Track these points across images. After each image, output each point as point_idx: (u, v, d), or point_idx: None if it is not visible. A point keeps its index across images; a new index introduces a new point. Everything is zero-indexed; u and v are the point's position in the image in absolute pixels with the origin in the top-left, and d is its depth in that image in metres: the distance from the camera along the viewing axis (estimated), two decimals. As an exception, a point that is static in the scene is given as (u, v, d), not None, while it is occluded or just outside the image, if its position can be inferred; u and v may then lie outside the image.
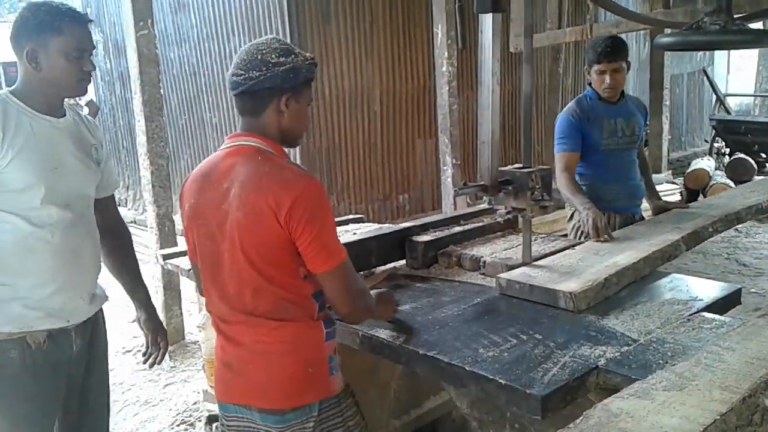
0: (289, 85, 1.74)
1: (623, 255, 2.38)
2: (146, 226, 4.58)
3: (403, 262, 2.72)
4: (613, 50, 3.16)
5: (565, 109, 3.38)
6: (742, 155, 8.31)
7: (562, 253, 2.49)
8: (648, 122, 8.14)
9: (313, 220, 1.67)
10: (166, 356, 4.15)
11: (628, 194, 3.36)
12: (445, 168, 4.85)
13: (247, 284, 1.73)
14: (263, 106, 1.75)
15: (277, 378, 1.75)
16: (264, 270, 1.72)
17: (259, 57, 1.72)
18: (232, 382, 1.82)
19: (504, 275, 2.28)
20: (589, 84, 3.36)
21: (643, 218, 3.50)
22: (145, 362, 2.38)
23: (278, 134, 1.79)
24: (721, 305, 2.13)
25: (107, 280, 2.32)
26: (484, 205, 3.05)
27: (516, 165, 2.51)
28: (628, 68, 3.28)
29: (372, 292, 1.94)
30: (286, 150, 1.84)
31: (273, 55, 1.72)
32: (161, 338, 2.37)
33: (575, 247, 2.61)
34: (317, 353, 1.79)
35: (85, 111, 6.51)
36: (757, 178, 7.83)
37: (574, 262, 2.36)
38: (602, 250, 2.47)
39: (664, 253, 2.46)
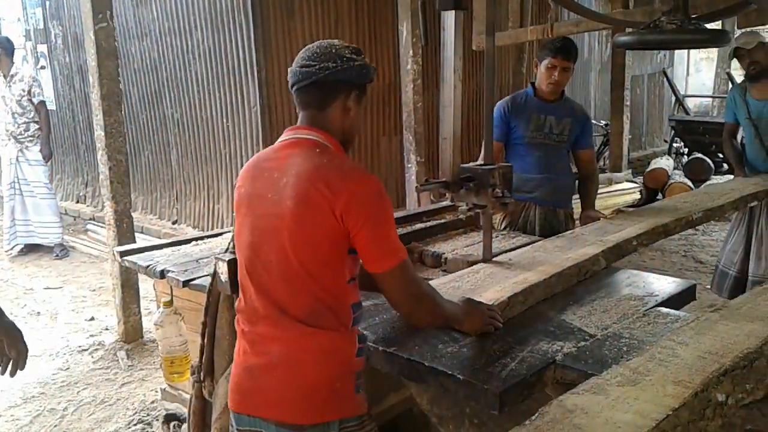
0: (360, 82, 1.74)
1: (535, 270, 2.26)
2: (105, 223, 4.49)
3: (365, 258, 2.71)
4: (569, 49, 3.38)
5: (500, 101, 3.52)
6: (700, 155, 8.49)
7: (471, 268, 2.38)
8: (608, 126, 8.30)
9: (373, 216, 1.62)
10: (124, 355, 4.13)
11: (550, 188, 3.45)
12: (409, 165, 4.86)
13: (288, 278, 1.66)
14: (332, 99, 1.72)
15: (301, 390, 1.66)
16: (309, 265, 1.64)
17: (333, 51, 1.70)
18: (250, 391, 1.72)
19: None
20: (532, 82, 3.52)
21: (569, 215, 3.61)
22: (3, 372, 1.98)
23: (340, 132, 1.74)
24: (676, 301, 2.17)
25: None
26: (446, 203, 3.07)
27: (478, 162, 2.53)
28: (572, 72, 3.51)
29: (461, 300, 1.90)
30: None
31: (346, 51, 1.72)
32: (12, 345, 1.95)
33: (486, 262, 2.47)
34: (347, 368, 1.71)
35: (31, 113, 6.29)
36: (714, 177, 8.01)
37: (481, 278, 2.25)
38: (515, 265, 2.35)
39: (581, 268, 2.31)
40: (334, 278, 1.67)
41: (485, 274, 2.27)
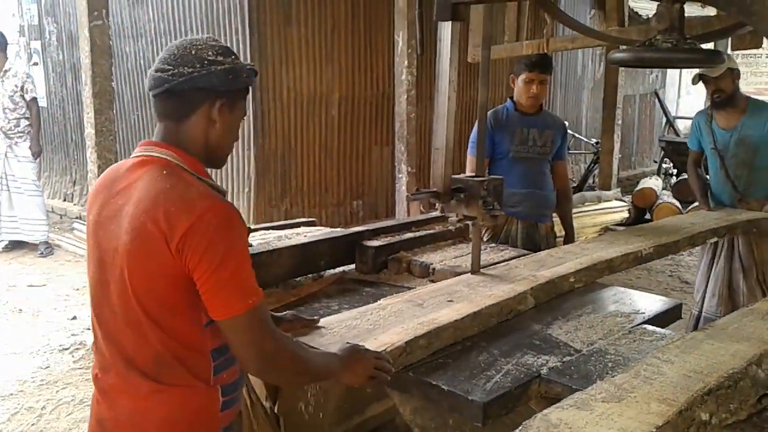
0: (226, 89, 1.45)
1: (450, 309, 1.98)
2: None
3: (353, 266, 2.70)
4: (544, 63, 3.45)
5: None
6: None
7: (377, 303, 2.08)
8: (598, 144, 8.35)
9: (213, 249, 1.33)
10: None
11: (533, 203, 3.49)
12: (400, 176, 4.86)
13: (132, 325, 1.41)
14: (190, 110, 1.45)
15: None
16: (152, 310, 1.39)
17: (194, 52, 1.44)
18: None
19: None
20: (511, 97, 3.56)
21: (550, 229, 3.67)
22: None
23: (202, 149, 1.48)
24: (662, 319, 2.18)
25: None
26: (436, 213, 3.07)
27: (469, 173, 2.53)
28: (549, 85, 3.59)
29: (342, 348, 1.58)
30: (209, 170, 1.51)
31: (210, 52, 1.44)
32: None
33: (474, 273, 2.40)
34: (206, 428, 1.46)
35: (22, 110, 6.24)
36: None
37: (385, 316, 1.96)
38: (428, 302, 2.06)
39: (503, 307, 2.05)
40: (185, 324, 1.41)
41: (391, 311, 1.99)
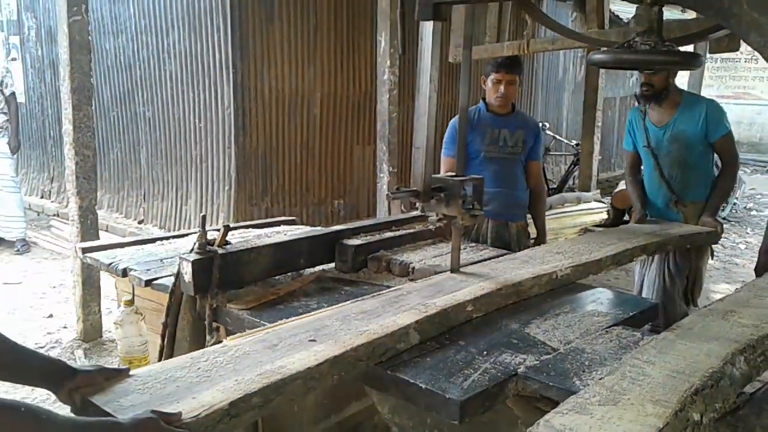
0: None
1: (308, 351, 1.65)
2: (69, 220, 4.41)
3: (333, 265, 2.69)
4: (511, 63, 3.50)
5: (454, 118, 3.60)
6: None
7: (221, 345, 1.75)
8: (578, 146, 8.41)
9: None
10: (81, 354, 4.04)
11: (504, 202, 3.54)
12: (381, 175, 4.85)
13: None
14: None
15: None
16: None
17: None
18: None
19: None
20: (483, 98, 3.61)
21: (522, 228, 3.71)
22: None
23: None
24: (639, 319, 2.19)
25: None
26: (416, 212, 3.08)
27: (449, 173, 2.53)
28: (520, 84, 3.62)
29: (135, 418, 1.27)
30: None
31: None
32: None
33: (454, 272, 2.35)
34: None
35: (0, 104, 6.21)
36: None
37: (223, 362, 1.60)
38: (285, 341, 1.73)
39: (376, 348, 1.72)
40: None
41: (233, 355, 1.65)
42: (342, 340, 1.73)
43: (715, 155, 3.61)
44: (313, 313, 2.01)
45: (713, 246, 3.64)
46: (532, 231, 3.87)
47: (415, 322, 1.87)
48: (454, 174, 2.45)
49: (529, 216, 3.80)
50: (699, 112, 3.43)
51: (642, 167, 3.77)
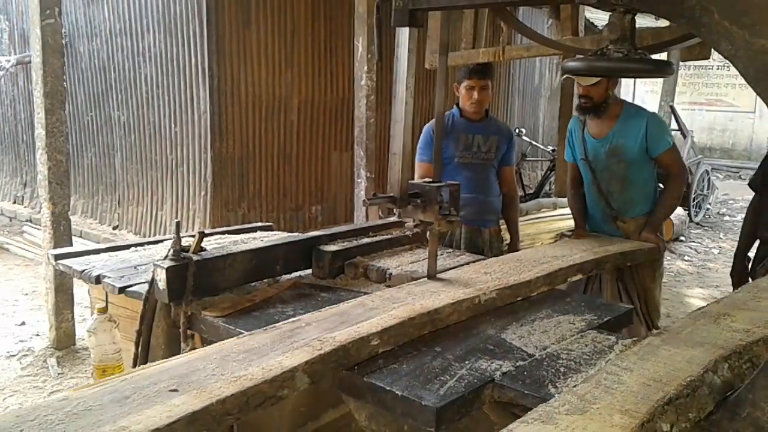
0: None
1: (163, 407, 1.40)
2: (41, 225, 4.34)
3: (309, 271, 2.68)
4: (483, 69, 3.53)
5: (428, 123, 3.66)
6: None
7: (49, 402, 1.45)
8: (555, 152, 8.47)
9: None
10: (54, 362, 3.98)
11: (477, 208, 3.57)
12: (359, 181, 4.84)
13: None
14: None
15: None
16: None
17: None
18: None
19: None
20: (456, 104, 3.64)
21: (495, 233, 3.73)
22: None
23: None
24: (614, 324, 2.21)
25: None
26: (393, 218, 3.08)
27: (426, 179, 2.54)
28: (492, 89, 3.62)
29: None
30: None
31: None
32: None
33: (431, 278, 2.34)
34: None
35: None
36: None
37: (54, 422, 1.35)
38: (137, 393, 1.47)
39: (251, 398, 1.51)
40: None
41: (68, 413, 1.39)
42: (210, 389, 1.48)
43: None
44: (186, 355, 1.72)
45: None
46: (506, 236, 3.90)
47: (305, 363, 1.63)
48: (430, 180, 2.46)
49: (503, 221, 3.83)
50: (639, 126, 3.26)
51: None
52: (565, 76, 3.57)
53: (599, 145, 3.35)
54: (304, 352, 1.69)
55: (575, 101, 3.45)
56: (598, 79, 3.15)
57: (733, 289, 3.67)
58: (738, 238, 3.55)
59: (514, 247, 3.74)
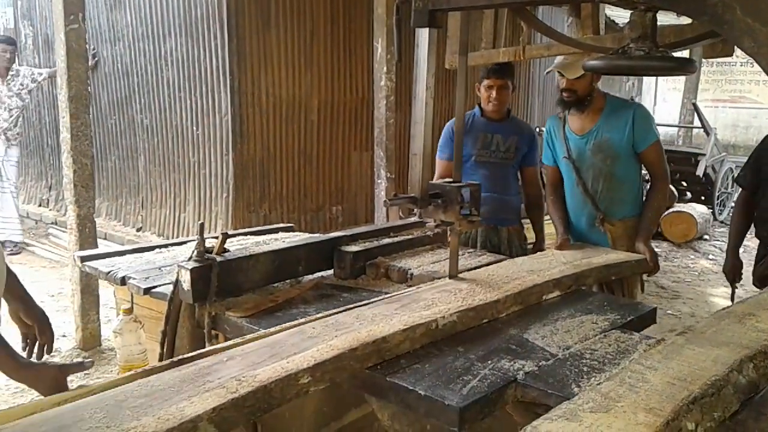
0: None
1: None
2: (67, 228, 4.41)
3: (331, 271, 2.70)
4: (502, 69, 3.56)
5: (449, 121, 3.67)
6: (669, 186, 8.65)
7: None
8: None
9: None
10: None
11: (494, 207, 3.54)
12: (379, 181, 4.86)
13: None
14: None
15: None
16: None
17: None
18: None
19: None
20: (478, 103, 3.66)
21: (515, 232, 3.71)
22: (30, 355, 2.00)
23: None
24: (637, 324, 2.20)
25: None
26: (414, 219, 3.09)
27: (447, 179, 2.54)
28: (513, 89, 3.63)
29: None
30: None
31: None
32: (42, 331, 2.02)
33: (452, 278, 2.30)
34: None
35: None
36: (677, 205, 8.16)
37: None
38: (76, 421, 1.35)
39: None
40: None
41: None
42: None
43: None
44: (80, 397, 1.49)
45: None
46: (531, 235, 3.88)
47: (212, 410, 1.39)
48: (451, 180, 2.46)
49: (527, 220, 3.83)
50: (625, 119, 3.12)
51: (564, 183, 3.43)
52: (547, 70, 3.47)
53: (583, 142, 3.21)
54: (214, 396, 1.44)
55: (556, 96, 3.32)
56: (583, 72, 3.01)
57: (731, 286, 3.62)
58: (728, 235, 3.57)
59: (539, 246, 3.72)
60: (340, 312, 2.06)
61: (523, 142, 3.64)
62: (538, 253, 2.92)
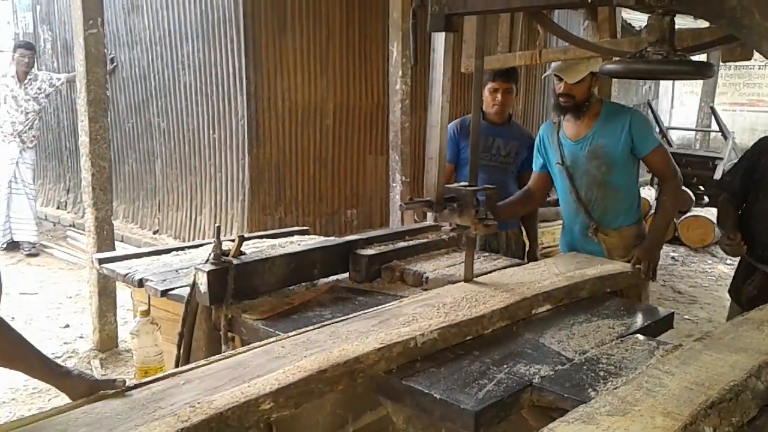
0: None
1: None
2: (84, 230, 4.45)
3: (347, 275, 2.70)
4: (507, 72, 3.58)
5: (451, 123, 3.66)
6: (682, 187, 8.58)
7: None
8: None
9: None
10: (97, 364, 4.07)
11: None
12: (394, 185, 4.86)
13: None
14: None
15: None
16: None
17: None
18: None
19: None
20: (481, 108, 3.61)
21: (514, 236, 3.74)
22: None
23: None
24: (654, 329, 2.19)
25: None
26: (429, 222, 3.09)
27: (462, 183, 2.54)
28: (517, 93, 3.67)
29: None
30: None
31: None
32: None
33: (467, 282, 2.29)
34: None
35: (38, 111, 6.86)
36: (694, 209, 8.10)
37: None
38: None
39: None
40: None
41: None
42: None
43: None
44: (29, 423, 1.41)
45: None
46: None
47: None
48: (467, 183, 2.46)
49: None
50: (621, 124, 3.01)
51: (550, 191, 3.35)
52: (546, 74, 3.38)
53: (577, 148, 3.10)
54: (164, 426, 1.33)
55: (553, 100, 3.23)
56: (583, 76, 2.98)
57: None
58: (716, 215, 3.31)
59: (532, 254, 3.75)
60: (313, 329, 1.94)
61: (523, 148, 3.67)
62: (531, 263, 2.80)
